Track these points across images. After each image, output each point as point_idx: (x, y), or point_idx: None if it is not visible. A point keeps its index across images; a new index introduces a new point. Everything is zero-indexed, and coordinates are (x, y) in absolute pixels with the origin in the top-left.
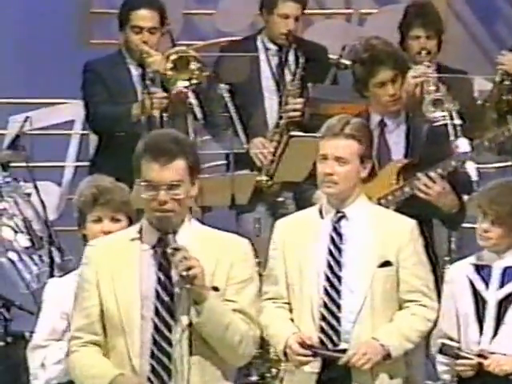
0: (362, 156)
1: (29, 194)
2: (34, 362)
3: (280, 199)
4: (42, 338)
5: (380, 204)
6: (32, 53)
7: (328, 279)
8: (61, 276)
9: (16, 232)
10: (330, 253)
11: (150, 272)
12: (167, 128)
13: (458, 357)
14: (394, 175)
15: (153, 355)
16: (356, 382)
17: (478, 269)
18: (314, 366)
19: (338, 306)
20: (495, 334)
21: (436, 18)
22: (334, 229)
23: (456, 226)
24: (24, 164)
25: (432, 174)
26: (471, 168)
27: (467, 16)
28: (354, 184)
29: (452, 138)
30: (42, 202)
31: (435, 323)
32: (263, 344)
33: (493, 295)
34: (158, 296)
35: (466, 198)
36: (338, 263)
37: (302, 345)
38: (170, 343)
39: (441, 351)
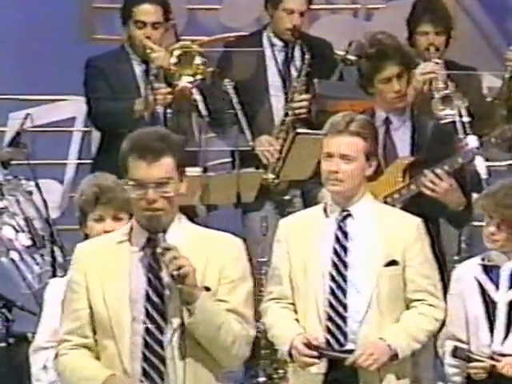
0: (367, 153)
1: (30, 193)
2: (36, 364)
3: (287, 197)
4: (44, 340)
5: (386, 202)
6: (33, 48)
7: (333, 279)
8: (63, 276)
9: (17, 231)
10: (336, 252)
11: (139, 273)
12: (171, 125)
13: (470, 360)
14: (400, 173)
15: (145, 358)
16: (363, 382)
17: (487, 269)
18: (320, 367)
19: (344, 306)
20: (506, 335)
21: (445, 13)
22: (340, 227)
23: (462, 225)
24: (25, 162)
25: (439, 171)
26: (480, 166)
27: (476, 11)
28: (360, 182)
29: (461, 135)
30: (44, 200)
31: (442, 323)
32: (270, 345)
33: (503, 297)
34: (148, 298)
35: (475, 196)
36: (344, 262)
37: (308, 345)
38: (161, 345)
39: (453, 355)
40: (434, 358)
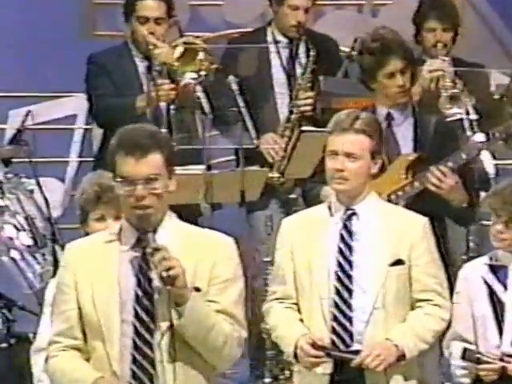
0: (372, 152)
1: (31, 191)
2: (38, 365)
3: (293, 196)
4: (45, 340)
5: (390, 200)
6: (33, 44)
7: (339, 278)
8: None
9: (18, 230)
10: (341, 251)
11: (129, 274)
12: (174, 121)
13: (479, 361)
14: (403, 170)
15: (134, 360)
16: (369, 383)
17: (494, 269)
18: (326, 368)
19: (350, 306)
20: None
21: (452, 9)
22: (345, 226)
23: (467, 222)
24: (26, 160)
25: (444, 168)
26: (488, 164)
27: (484, 8)
28: (365, 180)
29: (469, 133)
30: (45, 198)
31: (449, 323)
32: (276, 345)
33: (511, 297)
34: (137, 299)
35: (483, 194)
36: (349, 262)
37: (314, 346)
38: (151, 347)
39: (463, 356)
40: (439, 358)
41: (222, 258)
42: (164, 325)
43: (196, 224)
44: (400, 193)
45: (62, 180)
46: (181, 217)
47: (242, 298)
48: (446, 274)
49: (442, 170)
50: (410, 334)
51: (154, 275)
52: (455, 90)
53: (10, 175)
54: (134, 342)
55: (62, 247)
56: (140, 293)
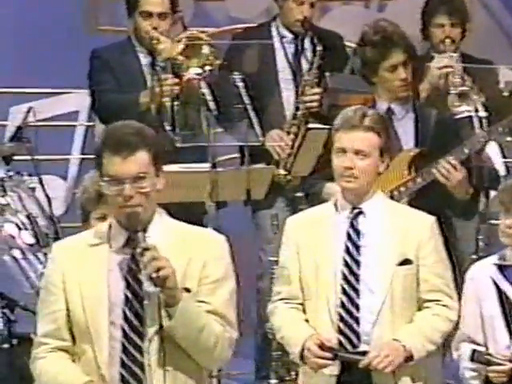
0: (381, 149)
1: (33, 189)
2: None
3: (299, 194)
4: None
5: (392, 196)
6: (34, 39)
7: (346, 278)
8: None
9: (20, 228)
10: (347, 250)
11: (118, 275)
12: (179, 118)
13: (489, 363)
14: (405, 166)
15: (123, 364)
16: None
17: (502, 269)
18: (333, 369)
19: (357, 306)
20: None
21: (461, 4)
22: (352, 225)
23: (470, 216)
24: (28, 157)
25: (454, 161)
26: (498, 162)
27: (493, 3)
28: (373, 179)
29: (478, 130)
30: (48, 196)
31: (456, 324)
32: (282, 346)
33: None
34: (126, 301)
35: (493, 193)
36: (356, 261)
37: (321, 347)
38: (140, 351)
39: (472, 358)
40: (443, 359)
41: (213, 257)
42: (153, 327)
43: (201, 223)
44: (402, 189)
45: (64, 178)
46: (185, 215)
47: (233, 298)
48: (454, 273)
49: (452, 163)
50: (417, 334)
51: (143, 277)
52: (464, 88)
53: (11, 173)
54: (123, 346)
55: None
56: (130, 295)
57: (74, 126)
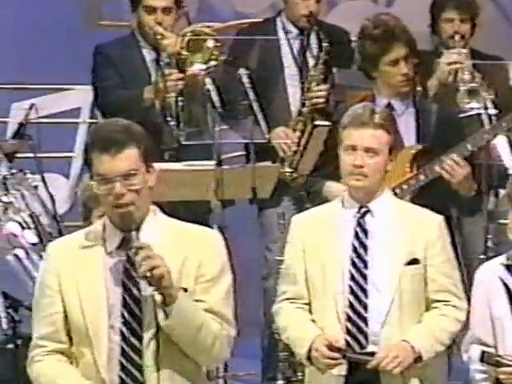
0: (390, 147)
1: (36, 187)
2: None
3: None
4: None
5: (394, 194)
6: (35, 35)
7: (353, 278)
8: None
9: (23, 227)
10: (355, 250)
11: (115, 277)
12: (183, 114)
13: (499, 364)
14: (407, 163)
15: (122, 367)
16: None
17: (511, 269)
18: (341, 369)
19: (365, 306)
20: None
21: None
22: (359, 224)
23: (474, 213)
24: (30, 154)
25: (457, 157)
26: (508, 160)
27: None
28: (381, 177)
29: (487, 128)
30: (51, 195)
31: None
32: (289, 347)
33: None
34: (124, 303)
35: (502, 192)
36: (364, 261)
37: (330, 347)
38: (139, 354)
39: (481, 360)
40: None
41: (209, 255)
42: (151, 329)
43: (206, 222)
44: (405, 186)
45: (67, 176)
46: (190, 214)
47: (229, 296)
48: (461, 273)
49: (456, 160)
50: (426, 335)
51: (140, 281)
52: (474, 84)
53: (13, 170)
54: (122, 349)
55: None
56: (127, 298)
57: (77, 123)
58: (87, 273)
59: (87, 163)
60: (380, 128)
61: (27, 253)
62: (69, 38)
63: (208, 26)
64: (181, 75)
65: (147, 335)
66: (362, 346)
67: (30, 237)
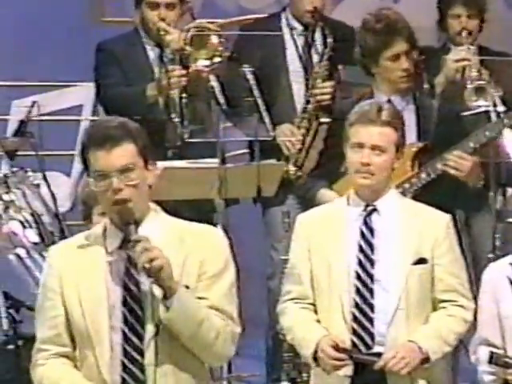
0: (397, 145)
1: (37, 185)
2: None
3: None
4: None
5: None
6: (37, 31)
7: (359, 277)
8: None
9: (24, 226)
10: (361, 249)
11: (115, 277)
12: (187, 111)
13: (508, 366)
14: (408, 161)
15: (124, 367)
16: None
17: None
18: (347, 370)
19: (371, 307)
20: None
21: None
22: (365, 223)
23: (479, 209)
24: (32, 152)
25: (458, 152)
26: None
27: None
28: (388, 175)
29: (489, 124)
30: (52, 193)
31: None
32: (293, 348)
33: None
34: (125, 303)
35: (510, 190)
36: (370, 260)
37: (336, 348)
38: (141, 353)
39: (490, 361)
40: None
41: (210, 253)
42: (152, 327)
43: (211, 221)
44: (407, 185)
45: (68, 174)
46: (194, 213)
47: (233, 293)
48: (469, 273)
49: (459, 155)
50: (434, 336)
51: (141, 277)
52: (481, 82)
53: (15, 168)
54: (124, 349)
55: None
56: (128, 297)
57: (78, 120)
58: (88, 274)
59: (84, 163)
60: (387, 125)
61: (28, 252)
62: (72, 34)
63: (212, 22)
64: (184, 71)
65: (148, 334)
66: (368, 347)
67: (32, 236)
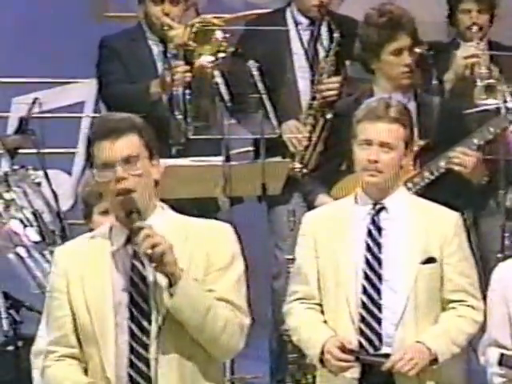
0: (406, 141)
1: (39, 184)
2: (38, 370)
3: None
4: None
5: None
6: (38, 27)
7: (367, 277)
8: None
9: (25, 225)
10: (369, 248)
11: (122, 274)
12: (191, 108)
13: None
14: (410, 159)
15: (131, 363)
16: None
17: None
18: (354, 372)
19: (379, 307)
20: None
21: None
22: (373, 222)
23: (484, 206)
24: (33, 150)
25: (461, 148)
26: None
27: None
28: (396, 173)
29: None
30: (54, 192)
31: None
32: (298, 349)
33: None
34: (131, 299)
35: None
36: (378, 259)
37: (342, 349)
38: (147, 348)
39: (500, 363)
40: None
41: (217, 246)
42: (159, 322)
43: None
44: (409, 184)
45: (69, 172)
46: (197, 212)
47: (241, 284)
48: (478, 272)
49: (462, 151)
50: (442, 336)
51: (148, 273)
52: (491, 80)
53: (16, 166)
54: (131, 346)
55: None
56: (134, 293)
57: (80, 117)
58: (93, 273)
59: (89, 158)
60: (395, 122)
61: (29, 251)
62: (74, 30)
63: (217, 17)
64: (188, 67)
65: (154, 329)
66: (375, 348)
67: (32, 235)
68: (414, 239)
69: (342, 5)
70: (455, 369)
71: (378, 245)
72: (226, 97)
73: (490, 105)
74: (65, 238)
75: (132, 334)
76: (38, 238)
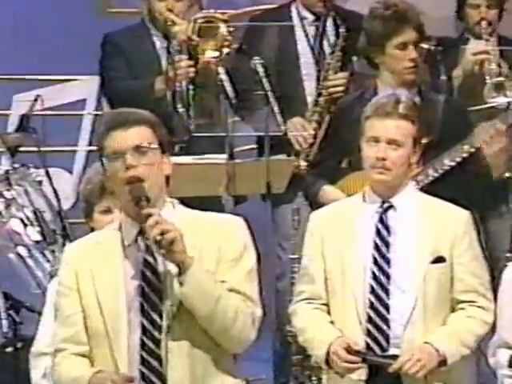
0: (415, 138)
1: (40, 182)
2: (37, 371)
3: None
4: (44, 345)
5: None
6: (40, 23)
7: (375, 277)
8: None
9: (26, 224)
10: (377, 247)
11: (134, 270)
12: (195, 104)
13: None
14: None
15: (143, 360)
16: None
17: None
18: (360, 373)
19: (387, 307)
20: None
21: None
22: (381, 220)
23: (490, 206)
24: (35, 148)
25: (492, 129)
26: None
27: None
28: (405, 170)
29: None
30: (55, 190)
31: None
32: (302, 350)
33: None
34: (143, 294)
35: None
36: (386, 259)
37: (349, 350)
38: (158, 344)
39: (510, 365)
40: (477, 365)
41: (228, 238)
42: (170, 312)
43: None
44: (413, 182)
45: (70, 171)
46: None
47: (253, 276)
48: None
49: (497, 127)
50: (451, 337)
51: (160, 267)
52: (501, 78)
53: (16, 165)
54: (142, 342)
55: None
56: (146, 287)
57: (81, 115)
58: (105, 269)
59: (100, 154)
60: (404, 118)
61: (30, 251)
62: (77, 26)
63: (222, 13)
64: (191, 62)
65: (165, 323)
66: (383, 349)
67: (33, 234)
68: (423, 238)
69: (349, 1)
70: (464, 370)
71: (387, 244)
72: (231, 94)
73: (500, 104)
74: (66, 238)
75: (144, 330)
76: (38, 238)
